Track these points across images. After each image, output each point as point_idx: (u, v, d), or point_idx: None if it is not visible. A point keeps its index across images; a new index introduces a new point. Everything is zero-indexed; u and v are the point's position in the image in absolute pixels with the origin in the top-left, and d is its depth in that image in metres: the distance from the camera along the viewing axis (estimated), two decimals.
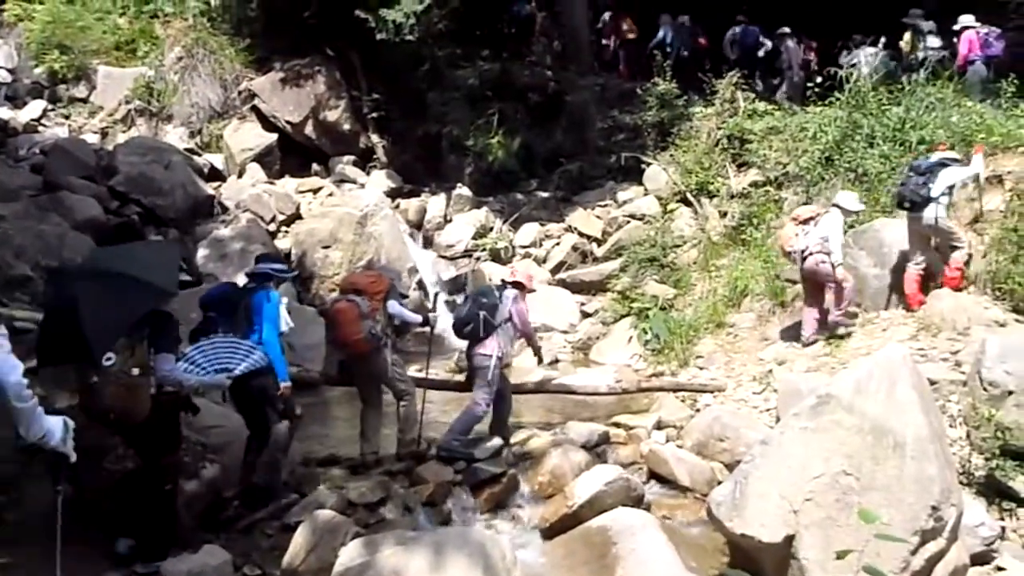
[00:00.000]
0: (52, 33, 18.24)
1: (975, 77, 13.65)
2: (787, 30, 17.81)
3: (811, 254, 9.67)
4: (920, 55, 14.86)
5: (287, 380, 7.19)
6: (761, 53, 18.25)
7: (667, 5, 19.40)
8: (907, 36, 15.58)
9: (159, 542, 6.12)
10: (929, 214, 9.57)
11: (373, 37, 16.57)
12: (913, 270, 9.88)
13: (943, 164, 9.71)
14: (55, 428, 4.54)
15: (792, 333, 10.45)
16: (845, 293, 9.71)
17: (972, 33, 14.16)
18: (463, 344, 8.51)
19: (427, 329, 8.91)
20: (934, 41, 14.96)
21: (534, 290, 9.18)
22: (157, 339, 5.85)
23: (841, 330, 9.87)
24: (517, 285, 8.54)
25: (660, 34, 18.85)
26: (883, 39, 15.95)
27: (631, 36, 20.09)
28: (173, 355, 6.01)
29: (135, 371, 5.67)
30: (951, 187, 9.65)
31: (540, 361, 9.17)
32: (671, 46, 18.51)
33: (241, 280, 8.21)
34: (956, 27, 14.35)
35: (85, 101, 17.95)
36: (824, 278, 9.75)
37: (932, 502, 5.84)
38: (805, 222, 9.90)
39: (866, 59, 15.20)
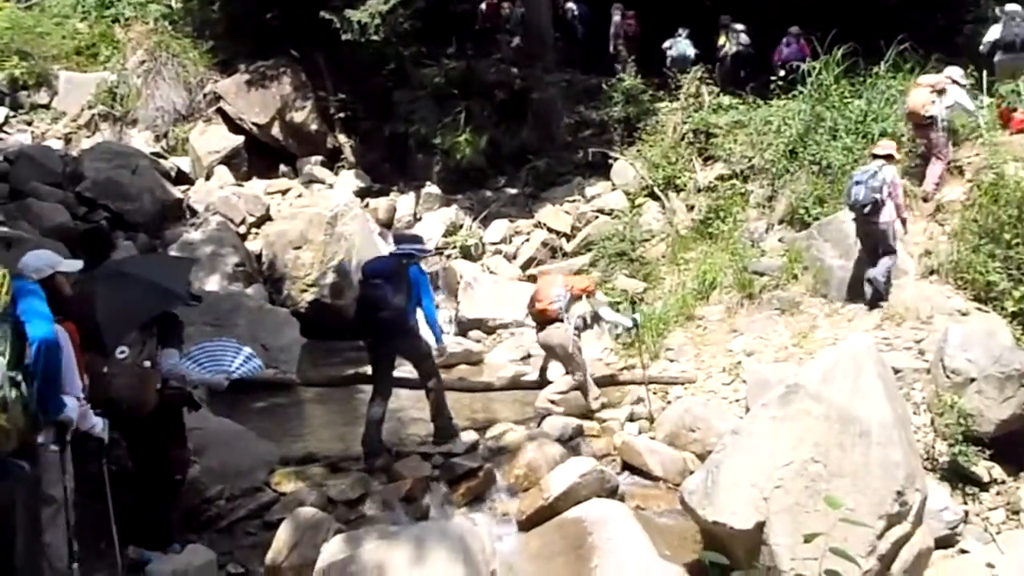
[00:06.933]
0: (11, 39, 18.13)
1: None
2: (618, 5, 18.20)
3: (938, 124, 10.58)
4: (732, 50, 16.95)
5: (442, 343, 8.45)
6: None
7: None
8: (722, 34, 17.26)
9: (164, 532, 6.33)
10: None
11: (338, 37, 16.56)
12: None
13: None
14: (99, 422, 5.61)
15: (759, 325, 10.53)
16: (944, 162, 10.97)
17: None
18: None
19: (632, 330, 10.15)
20: (744, 39, 16.96)
21: (896, 158, 10.30)
22: (165, 336, 6.13)
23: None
24: (888, 158, 9.82)
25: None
26: (687, 30, 17.21)
27: None
28: (178, 351, 6.29)
29: (146, 363, 5.93)
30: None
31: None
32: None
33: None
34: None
35: (47, 107, 17.84)
36: (941, 145, 10.78)
37: (897, 487, 6.01)
38: (941, 92, 10.61)
39: (675, 43, 17.01)
